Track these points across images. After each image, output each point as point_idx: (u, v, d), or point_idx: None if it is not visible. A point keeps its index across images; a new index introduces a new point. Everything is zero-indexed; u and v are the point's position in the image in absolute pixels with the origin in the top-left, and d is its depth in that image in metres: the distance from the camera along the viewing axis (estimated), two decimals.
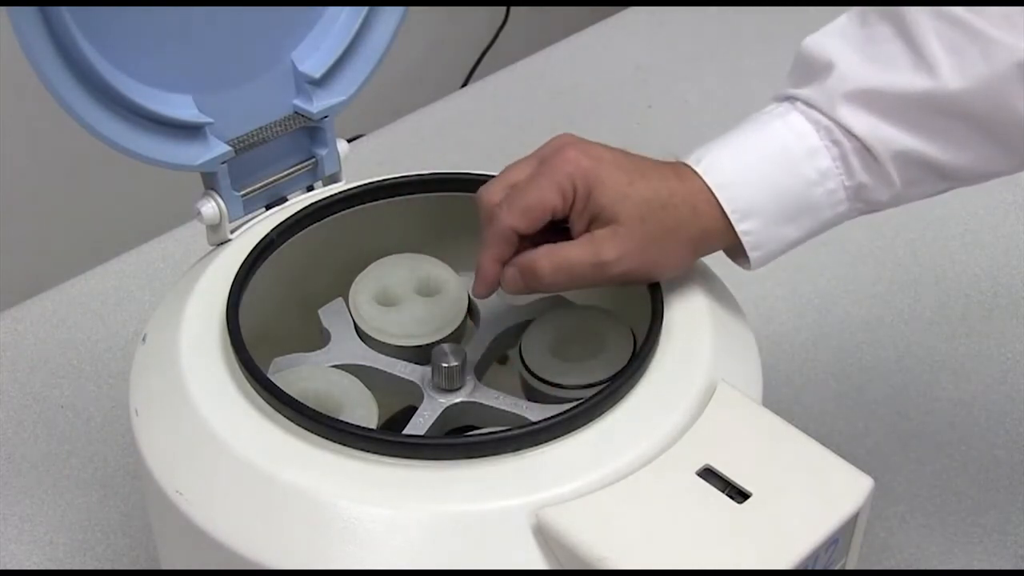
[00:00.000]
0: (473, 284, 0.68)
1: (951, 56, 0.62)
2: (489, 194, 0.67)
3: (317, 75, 0.74)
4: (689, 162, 0.66)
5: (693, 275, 0.70)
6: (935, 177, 0.66)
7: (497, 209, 0.65)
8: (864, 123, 0.64)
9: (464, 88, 1.46)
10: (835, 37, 0.66)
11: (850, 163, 0.65)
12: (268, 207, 0.76)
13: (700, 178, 0.65)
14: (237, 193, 0.73)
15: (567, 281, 0.65)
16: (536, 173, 0.66)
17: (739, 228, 0.65)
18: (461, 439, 0.62)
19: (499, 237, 0.66)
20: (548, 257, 0.65)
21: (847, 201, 0.66)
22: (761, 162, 0.65)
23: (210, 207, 0.72)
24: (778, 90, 0.68)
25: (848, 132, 0.64)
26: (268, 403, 0.62)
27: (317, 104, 0.75)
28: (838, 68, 0.65)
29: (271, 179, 0.76)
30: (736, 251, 0.67)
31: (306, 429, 0.61)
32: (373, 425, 0.68)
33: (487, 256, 0.66)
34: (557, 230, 0.67)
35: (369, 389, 0.69)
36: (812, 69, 0.66)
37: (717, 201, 0.65)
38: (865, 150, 0.65)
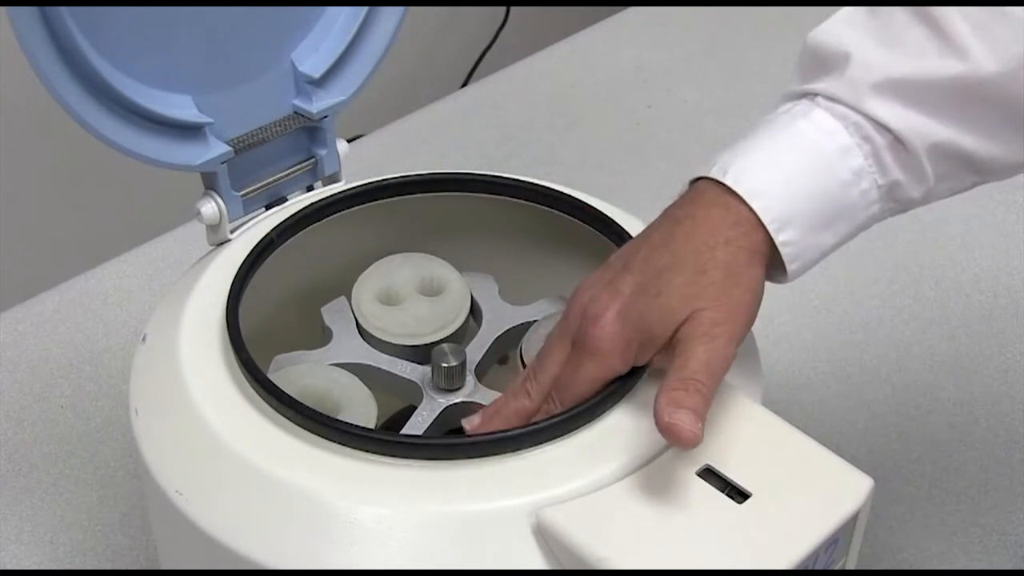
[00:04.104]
0: (476, 418, 0.64)
1: (981, 38, 0.59)
2: (531, 407, 0.63)
3: (317, 75, 0.74)
4: (711, 174, 0.62)
5: None
6: (968, 170, 0.63)
7: (552, 407, 0.62)
8: (897, 115, 0.61)
9: (464, 88, 1.46)
10: (845, 27, 0.63)
11: (883, 160, 0.62)
12: (268, 207, 0.76)
13: (725, 195, 0.61)
14: (237, 193, 0.73)
15: (718, 385, 0.60)
16: (577, 361, 0.61)
17: (778, 239, 0.61)
18: (461, 439, 0.62)
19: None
20: (696, 381, 0.58)
21: (880, 201, 0.63)
22: (792, 165, 0.61)
23: (210, 207, 0.72)
24: (789, 88, 0.65)
25: (880, 126, 0.61)
26: (268, 403, 0.62)
27: (317, 104, 0.75)
28: (858, 58, 0.61)
29: (271, 179, 0.76)
30: (771, 266, 0.62)
31: (306, 429, 0.61)
32: (372, 424, 0.68)
33: (509, 422, 0.63)
34: None
35: (369, 388, 0.69)
36: (826, 62, 0.63)
37: (751, 215, 0.61)
38: (899, 144, 0.61)
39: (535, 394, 0.63)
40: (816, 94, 0.63)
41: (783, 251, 0.61)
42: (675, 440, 0.57)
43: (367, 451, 0.60)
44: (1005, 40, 0.59)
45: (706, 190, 0.62)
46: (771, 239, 0.61)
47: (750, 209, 0.61)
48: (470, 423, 0.65)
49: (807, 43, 0.64)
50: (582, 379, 0.61)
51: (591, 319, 0.61)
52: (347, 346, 0.72)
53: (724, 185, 0.61)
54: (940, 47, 0.60)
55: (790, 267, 0.62)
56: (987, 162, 0.63)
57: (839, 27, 0.63)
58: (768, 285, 0.63)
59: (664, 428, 0.57)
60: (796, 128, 0.62)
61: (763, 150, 0.62)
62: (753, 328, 0.70)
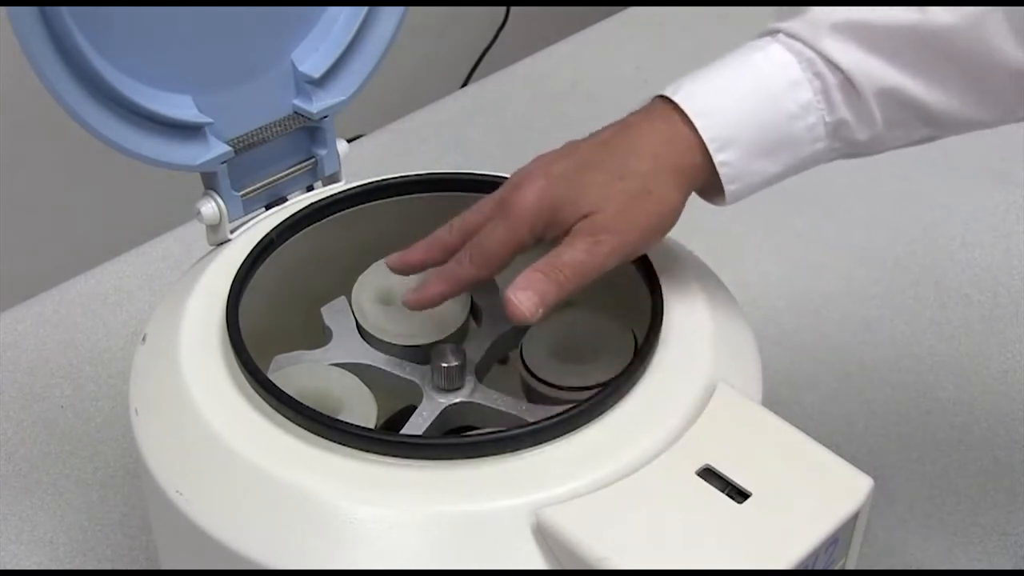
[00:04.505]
0: (410, 292, 0.68)
1: None
2: (448, 239, 0.68)
3: (317, 75, 0.74)
4: (666, 92, 0.65)
5: (693, 275, 0.70)
6: (917, 120, 0.65)
7: (462, 256, 0.66)
8: (850, 56, 0.63)
9: (464, 88, 1.46)
10: None
11: (832, 97, 0.64)
12: (268, 207, 0.76)
13: (674, 113, 0.64)
14: (237, 193, 0.73)
15: (582, 286, 0.65)
16: (494, 217, 0.66)
17: (717, 159, 0.64)
18: (461, 439, 0.62)
19: (457, 282, 0.67)
20: (563, 272, 0.64)
21: (826, 138, 0.65)
22: (741, 92, 0.64)
23: (210, 207, 0.72)
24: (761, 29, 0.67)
25: (832, 64, 0.63)
26: (268, 403, 0.62)
27: (317, 104, 0.75)
28: (822, 5, 0.64)
29: (271, 179, 0.76)
30: (710, 188, 0.66)
31: (306, 429, 0.61)
32: (372, 424, 0.68)
33: (436, 289, 0.67)
34: None
35: (369, 388, 0.69)
36: (794, 9, 0.65)
37: (691, 134, 0.64)
38: (848, 84, 0.63)
39: (455, 231, 0.68)
40: (778, 31, 0.65)
41: (721, 171, 0.64)
42: (509, 314, 0.63)
43: (367, 451, 0.60)
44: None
45: (659, 106, 0.66)
46: (708, 161, 0.64)
47: (692, 129, 0.64)
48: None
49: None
50: (493, 240, 0.66)
51: (517, 188, 0.66)
52: (347, 346, 0.72)
53: (674, 103, 0.65)
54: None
55: (728, 188, 0.65)
56: (937, 114, 0.65)
57: None
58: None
59: (504, 298, 0.63)
60: (751, 60, 0.65)
61: (716, 76, 0.66)
62: (753, 328, 0.70)
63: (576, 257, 0.63)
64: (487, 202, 0.68)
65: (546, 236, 0.65)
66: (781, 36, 0.65)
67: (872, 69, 0.63)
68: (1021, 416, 0.95)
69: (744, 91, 0.64)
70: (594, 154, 0.66)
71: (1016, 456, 0.92)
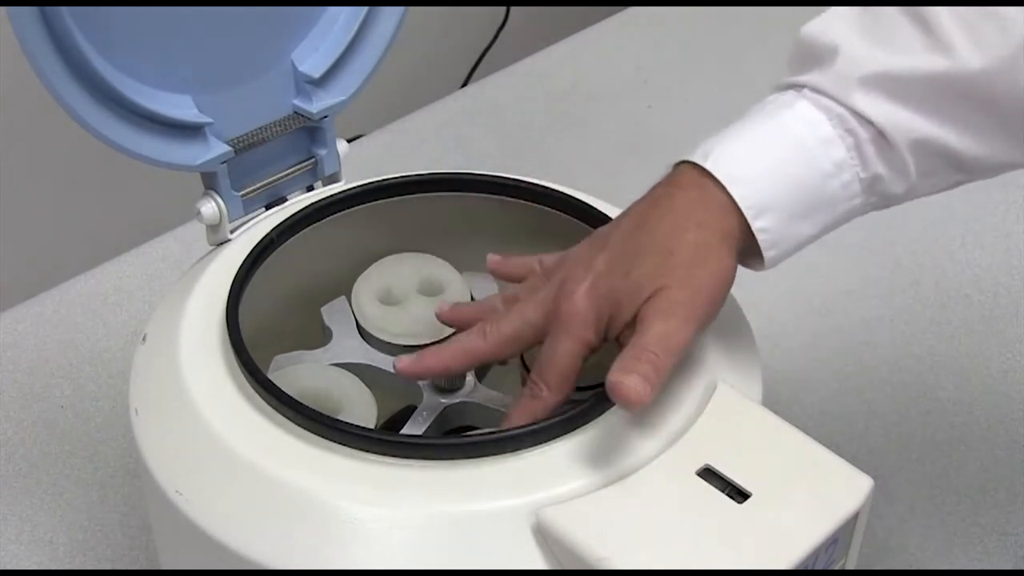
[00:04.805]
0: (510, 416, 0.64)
1: (967, 35, 0.60)
2: (483, 347, 0.65)
3: (317, 75, 0.74)
4: (693, 158, 0.63)
5: None
6: (951, 168, 0.63)
7: (536, 388, 0.63)
8: (881, 109, 0.61)
9: (464, 88, 1.46)
10: (837, 22, 0.63)
11: (865, 153, 0.62)
12: (268, 207, 0.76)
13: (704, 179, 0.62)
14: (237, 193, 0.73)
15: (675, 362, 0.61)
16: (555, 339, 0.63)
17: (755, 225, 0.62)
18: (461, 439, 0.62)
19: (542, 415, 0.62)
20: (651, 352, 0.59)
21: (862, 194, 0.63)
22: (773, 154, 0.62)
23: (210, 207, 0.72)
24: (778, 80, 0.65)
25: (863, 119, 0.62)
26: (268, 403, 0.62)
27: (317, 104, 0.75)
28: (846, 52, 0.62)
29: (271, 179, 0.76)
30: (748, 251, 0.63)
31: (306, 429, 0.61)
32: (372, 424, 0.68)
33: (518, 421, 0.63)
34: None
35: (369, 388, 0.69)
36: (815, 55, 0.63)
37: (726, 199, 0.61)
38: (881, 138, 0.62)
39: (491, 338, 0.65)
40: (803, 86, 0.63)
41: (760, 238, 0.62)
42: (618, 398, 0.58)
43: (367, 451, 0.60)
44: (991, 38, 0.60)
45: (686, 172, 0.63)
46: (745, 225, 0.62)
47: (727, 194, 0.62)
48: (401, 360, 0.66)
49: (799, 36, 0.65)
50: (561, 355, 0.62)
51: (565, 295, 0.63)
52: (347, 346, 0.72)
53: (704, 169, 0.62)
54: (927, 43, 0.61)
55: (767, 254, 0.63)
56: (970, 161, 0.63)
57: (830, 22, 0.64)
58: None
59: (609, 386, 0.58)
60: (780, 118, 0.63)
61: (744, 137, 0.63)
62: (753, 328, 0.70)
63: (656, 335, 0.60)
64: (528, 309, 0.64)
65: (611, 333, 0.62)
66: (807, 92, 0.63)
67: (904, 121, 0.61)
68: (1021, 416, 0.95)
69: (776, 152, 0.62)
70: (632, 240, 0.63)
71: (1016, 456, 0.92)
